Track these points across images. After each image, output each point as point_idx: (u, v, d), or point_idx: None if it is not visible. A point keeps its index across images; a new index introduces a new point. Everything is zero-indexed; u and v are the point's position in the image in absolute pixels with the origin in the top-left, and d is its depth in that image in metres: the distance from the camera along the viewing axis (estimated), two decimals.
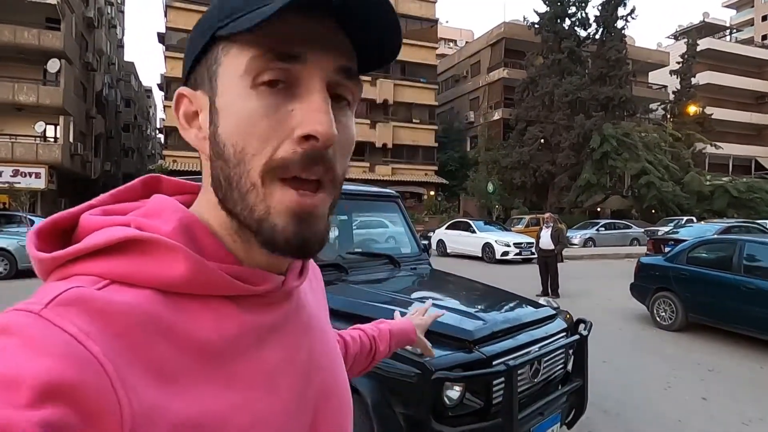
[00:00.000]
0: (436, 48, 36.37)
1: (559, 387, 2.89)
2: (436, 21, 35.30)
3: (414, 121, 33.79)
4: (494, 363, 2.31)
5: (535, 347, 2.60)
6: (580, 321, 3.13)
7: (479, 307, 2.81)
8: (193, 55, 0.47)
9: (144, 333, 0.39)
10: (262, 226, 0.44)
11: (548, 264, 9.62)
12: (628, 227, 24.36)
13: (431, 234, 18.36)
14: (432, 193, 32.87)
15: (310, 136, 0.42)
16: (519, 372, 2.35)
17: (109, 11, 34.94)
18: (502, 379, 2.28)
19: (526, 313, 2.85)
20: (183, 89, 0.49)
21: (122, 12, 43.63)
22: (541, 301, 3.24)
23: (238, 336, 0.45)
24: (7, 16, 21.61)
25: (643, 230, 23.58)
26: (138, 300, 0.41)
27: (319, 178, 0.44)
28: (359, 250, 3.89)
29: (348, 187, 3.47)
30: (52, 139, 23.49)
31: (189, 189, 0.55)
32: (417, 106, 33.66)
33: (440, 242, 18.16)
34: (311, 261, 0.66)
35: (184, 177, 0.62)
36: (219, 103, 0.45)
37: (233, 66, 0.44)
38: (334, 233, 3.78)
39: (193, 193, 0.54)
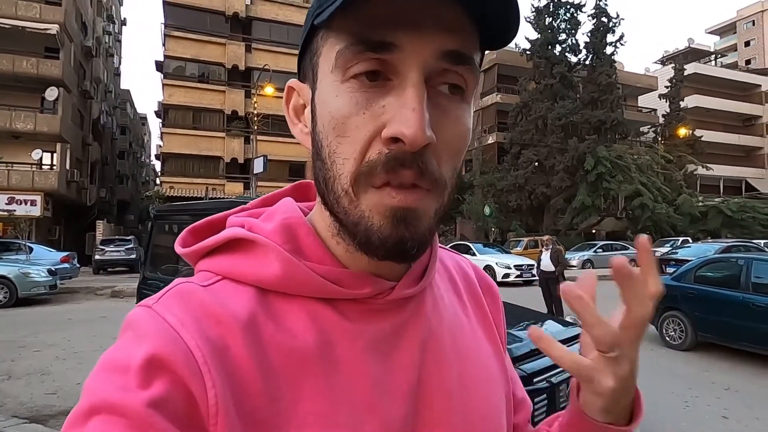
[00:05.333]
0: None
1: None
2: None
3: None
4: (535, 380, 2.32)
5: None
6: None
7: (513, 324, 2.83)
8: (299, 46, 0.46)
9: (235, 328, 0.40)
10: (358, 228, 0.40)
11: (550, 285, 9.65)
12: (626, 248, 24.46)
13: None
14: None
15: (396, 138, 0.37)
16: (559, 388, 2.35)
17: (107, 40, 35.34)
18: (544, 396, 2.29)
19: (558, 330, 2.87)
20: (292, 81, 0.47)
21: (119, 41, 44.13)
22: (568, 318, 3.26)
23: (333, 342, 0.42)
24: (7, 45, 21.77)
25: None
26: (237, 297, 0.42)
27: (412, 182, 0.38)
28: None
29: None
30: (48, 167, 23.43)
31: None
32: None
33: None
34: (488, 278, 0.62)
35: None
36: (317, 98, 0.42)
37: (327, 57, 0.40)
38: None
39: None
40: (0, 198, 20.90)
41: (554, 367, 2.43)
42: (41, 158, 22.92)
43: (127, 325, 0.40)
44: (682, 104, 36.29)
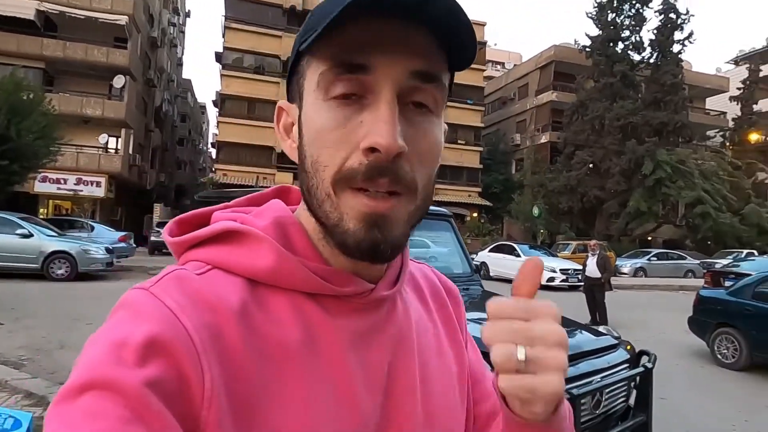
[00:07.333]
0: (484, 70, 36.32)
1: (620, 422, 2.74)
2: (484, 43, 35.34)
3: (459, 142, 33.70)
4: None
5: (597, 377, 2.49)
6: (642, 352, 2.98)
7: None
8: (288, 70, 0.51)
9: (229, 316, 0.42)
10: (335, 231, 0.45)
11: (595, 293, 9.29)
12: (683, 258, 23.27)
13: (474, 256, 18.09)
14: (475, 214, 32.50)
15: (373, 148, 0.42)
16: (581, 402, 2.25)
17: (172, 31, 36.86)
18: None
19: (587, 340, 2.75)
20: (282, 103, 0.52)
21: (183, 32, 45.93)
22: (601, 329, 3.11)
23: (316, 335, 0.46)
24: (81, 35, 23.19)
25: (698, 262, 22.47)
26: (229, 286, 0.45)
27: (388, 190, 0.43)
28: None
29: None
30: (113, 150, 24.78)
31: None
32: (462, 127, 33.58)
33: (483, 264, 17.86)
34: (451, 284, 0.65)
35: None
36: (303, 117, 0.47)
37: (311, 80, 0.45)
38: None
39: None
40: (69, 178, 22.33)
41: (574, 379, 2.32)
42: (107, 142, 24.24)
43: (122, 305, 0.42)
44: (756, 107, 33.90)
